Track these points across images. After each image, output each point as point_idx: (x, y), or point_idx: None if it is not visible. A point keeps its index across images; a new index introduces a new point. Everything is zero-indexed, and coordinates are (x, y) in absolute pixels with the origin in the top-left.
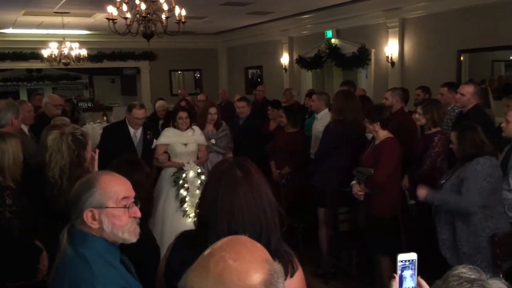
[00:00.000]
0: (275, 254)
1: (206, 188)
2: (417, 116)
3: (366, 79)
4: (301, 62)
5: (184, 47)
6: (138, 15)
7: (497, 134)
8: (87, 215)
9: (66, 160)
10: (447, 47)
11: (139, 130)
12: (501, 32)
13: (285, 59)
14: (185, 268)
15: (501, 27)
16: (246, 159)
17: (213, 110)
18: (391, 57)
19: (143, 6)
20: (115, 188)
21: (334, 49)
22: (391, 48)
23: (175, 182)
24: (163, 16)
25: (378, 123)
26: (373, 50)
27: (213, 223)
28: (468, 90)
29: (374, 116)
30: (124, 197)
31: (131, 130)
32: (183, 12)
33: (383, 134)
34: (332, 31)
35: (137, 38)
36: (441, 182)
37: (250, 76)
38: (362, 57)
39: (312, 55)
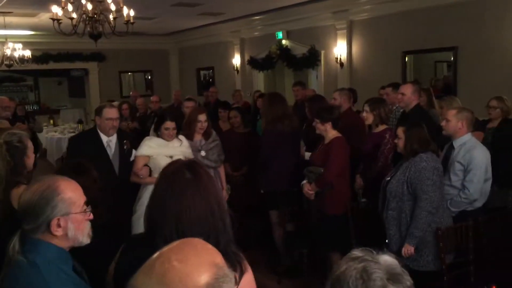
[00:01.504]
0: (223, 255)
1: (155, 189)
2: (364, 114)
3: (316, 79)
4: (252, 63)
5: (134, 48)
6: (84, 16)
7: (437, 133)
8: (53, 224)
9: (2, 172)
10: (392, 49)
11: (114, 138)
12: (443, 34)
13: (236, 60)
14: (134, 270)
15: (443, 29)
16: (197, 161)
17: (202, 117)
18: (340, 58)
19: (89, 6)
20: (76, 194)
21: (285, 50)
22: (340, 49)
23: None
24: (111, 17)
25: (330, 123)
26: (322, 51)
27: (161, 224)
28: (407, 89)
29: (325, 116)
30: (84, 202)
31: (104, 138)
32: (132, 13)
33: (332, 133)
34: (282, 33)
35: (84, 39)
36: (387, 179)
37: (202, 77)
38: (312, 58)
39: (264, 56)
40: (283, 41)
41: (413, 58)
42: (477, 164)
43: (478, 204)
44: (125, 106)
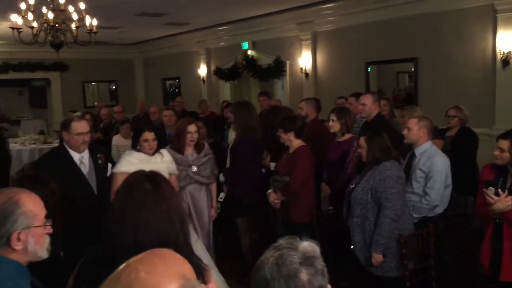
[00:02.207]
0: None
1: (115, 200)
2: (331, 123)
3: (282, 89)
4: (218, 73)
5: (98, 58)
6: (45, 25)
7: (399, 141)
8: (13, 238)
9: None
10: (355, 59)
11: (86, 154)
12: (404, 46)
13: (202, 70)
14: (93, 284)
15: (404, 40)
16: (157, 172)
17: (192, 128)
18: (305, 68)
19: (50, 15)
20: (37, 207)
21: (250, 61)
22: (304, 60)
23: None
24: (73, 26)
25: (292, 132)
26: (288, 62)
27: (120, 235)
28: (368, 100)
29: (288, 126)
30: (45, 215)
31: (75, 155)
32: (95, 22)
33: (296, 143)
34: (248, 43)
35: (46, 48)
36: (351, 186)
37: (168, 87)
38: (277, 69)
39: (229, 66)
40: (249, 52)
41: (376, 68)
42: (438, 171)
43: (439, 210)
44: (87, 116)
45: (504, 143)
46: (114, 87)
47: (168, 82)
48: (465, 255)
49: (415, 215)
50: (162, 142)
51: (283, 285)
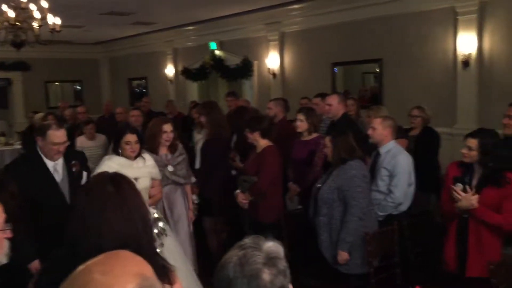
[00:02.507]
0: None
1: (76, 202)
2: (299, 122)
3: (250, 90)
4: (186, 73)
5: (61, 57)
6: (6, 23)
7: (365, 140)
8: None
9: None
10: (322, 60)
11: (60, 161)
12: (369, 47)
13: (170, 70)
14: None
15: (369, 42)
16: (121, 174)
17: (167, 127)
18: (273, 69)
19: (11, 14)
20: None
21: (218, 61)
22: (272, 60)
23: None
24: (35, 25)
25: (258, 132)
26: (256, 62)
27: (82, 238)
28: (333, 100)
29: (254, 126)
30: (4, 219)
31: (49, 163)
32: (58, 21)
33: (263, 142)
34: (216, 43)
35: (7, 47)
36: (318, 186)
37: (134, 87)
38: (245, 69)
39: (197, 66)
40: (217, 52)
41: (342, 69)
42: (402, 169)
43: (403, 207)
44: (50, 117)
45: (473, 142)
46: (78, 87)
47: (134, 82)
48: (428, 251)
49: (380, 213)
50: None
51: (245, 284)
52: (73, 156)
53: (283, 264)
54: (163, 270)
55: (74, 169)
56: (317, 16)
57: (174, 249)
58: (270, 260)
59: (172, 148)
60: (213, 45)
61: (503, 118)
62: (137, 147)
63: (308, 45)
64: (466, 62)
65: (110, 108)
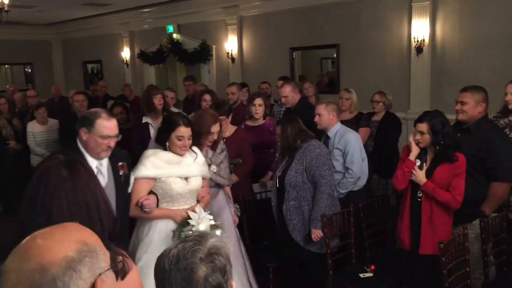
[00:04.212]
0: None
1: (29, 185)
2: (258, 107)
3: (208, 74)
4: (142, 56)
5: (11, 39)
6: None
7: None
8: None
9: None
10: (280, 45)
11: (105, 161)
12: (326, 32)
13: (126, 54)
14: None
15: (326, 27)
16: (77, 158)
17: (216, 128)
18: (232, 53)
19: None
20: None
21: (176, 44)
22: (231, 44)
23: None
24: None
25: (225, 116)
26: (214, 46)
27: (33, 222)
28: (286, 91)
29: (220, 110)
30: None
31: (92, 162)
32: (6, 0)
33: (230, 126)
34: (173, 26)
35: None
36: (278, 175)
37: (89, 71)
38: (203, 53)
39: (154, 49)
40: (174, 35)
41: (300, 54)
42: (353, 146)
43: (362, 182)
44: (3, 100)
45: (423, 126)
46: (29, 70)
47: (89, 66)
48: (383, 231)
49: (341, 191)
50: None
51: (178, 278)
52: (118, 156)
53: (222, 261)
54: (119, 254)
55: (121, 172)
56: (276, 0)
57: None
58: (209, 256)
59: (213, 145)
60: (170, 28)
61: (454, 103)
62: (189, 143)
63: (266, 29)
64: (419, 48)
65: (59, 91)
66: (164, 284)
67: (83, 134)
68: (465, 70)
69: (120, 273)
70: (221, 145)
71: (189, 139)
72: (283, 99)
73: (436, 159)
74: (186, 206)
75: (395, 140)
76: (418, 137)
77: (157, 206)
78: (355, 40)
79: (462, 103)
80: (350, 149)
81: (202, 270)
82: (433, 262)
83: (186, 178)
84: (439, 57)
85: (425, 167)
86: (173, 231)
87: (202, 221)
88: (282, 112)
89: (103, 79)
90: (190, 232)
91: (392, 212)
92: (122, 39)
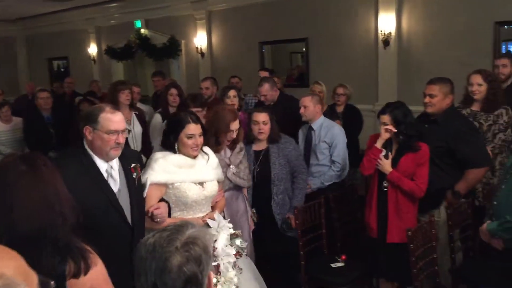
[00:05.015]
0: (65, 251)
1: None
2: (233, 100)
3: (178, 69)
4: (110, 52)
5: None
6: None
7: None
8: None
9: None
10: (250, 39)
11: (115, 163)
12: (295, 26)
13: (93, 50)
14: None
15: (295, 21)
16: (36, 153)
17: (235, 125)
18: (201, 48)
19: None
20: None
21: (144, 40)
22: (200, 39)
23: None
24: None
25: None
26: (183, 41)
27: None
28: (265, 89)
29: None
30: None
31: (102, 164)
32: None
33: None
34: (141, 21)
35: None
36: (257, 170)
37: (55, 68)
38: (172, 48)
39: (122, 45)
40: (142, 30)
41: (270, 48)
42: (340, 140)
43: (344, 174)
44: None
45: (385, 117)
46: None
47: (55, 62)
48: (352, 221)
49: (326, 183)
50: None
51: (153, 267)
52: (129, 157)
53: (198, 251)
54: (80, 253)
55: (134, 175)
56: None
57: (250, 275)
58: (185, 246)
59: (232, 143)
60: (138, 24)
61: (422, 95)
62: (201, 141)
63: (236, 24)
64: (386, 41)
65: (33, 89)
66: (140, 272)
67: (88, 133)
68: (430, 62)
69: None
70: (240, 144)
71: (200, 137)
72: (262, 98)
73: (400, 149)
74: (201, 214)
75: (358, 130)
76: (382, 128)
77: (169, 215)
78: (323, 34)
79: (431, 95)
80: (338, 143)
81: (176, 259)
82: (401, 249)
83: (201, 183)
84: (406, 50)
85: (390, 157)
86: None
87: (222, 230)
88: (253, 103)
89: (69, 75)
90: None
91: (362, 202)
92: (89, 35)
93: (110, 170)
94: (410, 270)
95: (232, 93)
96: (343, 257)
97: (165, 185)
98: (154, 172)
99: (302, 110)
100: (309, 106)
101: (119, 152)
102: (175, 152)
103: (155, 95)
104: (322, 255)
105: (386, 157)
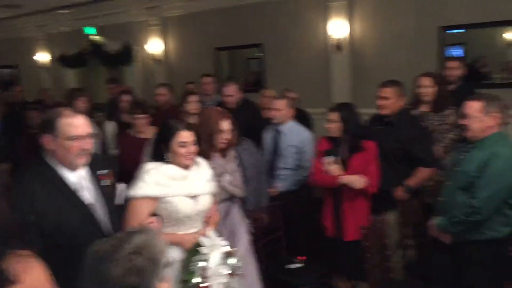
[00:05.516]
0: None
1: None
2: (195, 105)
3: (133, 76)
4: (62, 60)
5: None
6: None
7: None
8: None
9: None
10: (206, 45)
11: (83, 173)
12: (251, 32)
13: (44, 57)
14: None
15: (250, 27)
16: None
17: (227, 125)
18: (156, 54)
19: None
20: None
21: (97, 47)
22: (155, 45)
23: (185, 279)
24: None
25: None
26: (138, 48)
27: None
28: (233, 90)
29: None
30: None
31: (70, 176)
32: None
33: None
34: (94, 28)
35: None
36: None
37: (3, 76)
38: (127, 55)
39: (75, 53)
40: (95, 37)
41: (227, 54)
42: (309, 145)
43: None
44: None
45: (334, 115)
46: None
47: (3, 71)
48: (309, 222)
49: (294, 187)
50: None
51: (94, 276)
52: (99, 163)
53: (142, 262)
54: (4, 273)
55: (107, 182)
56: (199, 0)
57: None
58: (128, 256)
59: (225, 150)
60: (90, 30)
61: (374, 98)
62: (195, 150)
63: (191, 30)
64: (338, 47)
65: None
66: (84, 279)
67: (48, 142)
68: (382, 65)
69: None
70: (233, 151)
71: (193, 145)
72: (226, 99)
73: (350, 150)
74: (193, 230)
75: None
76: (328, 125)
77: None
78: (278, 40)
79: (385, 98)
80: (307, 148)
81: (115, 271)
82: (356, 247)
83: (194, 197)
84: (358, 54)
85: (337, 163)
86: (181, 262)
87: (214, 246)
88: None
89: (20, 84)
90: (202, 264)
91: (319, 203)
92: (39, 42)
93: (81, 180)
94: (365, 266)
95: (193, 98)
96: (302, 257)
97: (157, 199)
98: (146, 185)
99: (274, 113)
100: (283, 110)
101: (85, 159)
102: (166, 163)
103: (110, 102)
104: (281, 256)
105: (333, 162)
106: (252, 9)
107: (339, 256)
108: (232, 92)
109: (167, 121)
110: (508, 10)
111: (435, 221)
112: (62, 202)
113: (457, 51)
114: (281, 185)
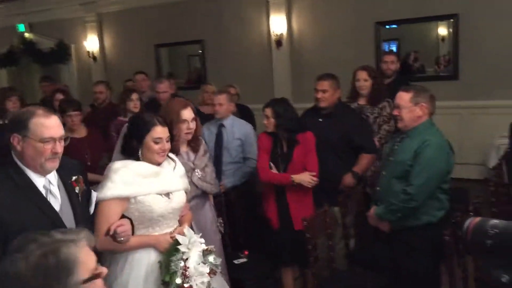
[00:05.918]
0: None
1: None
2: (136, 103)
3: (69, 74)
4: None
5: None
6: None
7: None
8: None
9: None
10: (145, 42)
11: (53, 176)
12: (192, 28)
13: None
14: None
15: (191, 23)
16: None
17: (188, 114)
18: (93, 52)
19: None
20: None
21: (29, 44)
22: (91, 42)
23: (167, 280)
24: None
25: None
26: (73, 45)
27: None
28: (164, 87)
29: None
30: None
31: (38, 179)
32: None
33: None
34: (25, 25)
35: None
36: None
37: None
38: (61, 53)
39: (5, 51)
40: (26, 35)
41: (167, 51)
42: (252, 137)
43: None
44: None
45: (268, 111)
46: None
47: None
48: (254, 215)
49: (242, 180)
50: None
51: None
52: (70, 169)
53: (54, 263)
54: None
55: (77, 189)
56: None
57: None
58: (35, 251)
59: (194, 144)
60: (21, 27)
61: (313, 92)
62: (169, 146)
63: (129, 26)
64: (279, 42)
65: None
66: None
67: (17, 142)
68: (320, 61)
69: None
70: (204, 146)
71: (167, 142)
72: (160, 95)
73: (290, 144)
74: (168, 230)
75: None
76: (264, 120)
77: (132, 233)
78: (218, 36)
79: (323, 91)
80: (252, 140)
81: (23, 265)
82: (302, 235)
83: (167, 194)
84: (297, 50)
85: (274, 168)
86: (160, 262)
87: (193, 246)
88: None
89: None
90: (182, 263)
91: (260, 196)
92: None
93: (49, 185)
94: (308, 257)
95: (134, 96)
96: (246, 252)
97: (127, 199)
98: (114, 185)
99: (217, 108)
100: (224, 104)
101: (56, 164)
102: (137, 159)
103: (44, 102)
104: (225, 252)
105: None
106: (193, 5)
107: (284, 247)
108: (166, 89)
109: (141, 115)
110: (439, 5)
111: (374, 210)
112: (29, 206)
113: (392, 46)
114: (228, 180)
